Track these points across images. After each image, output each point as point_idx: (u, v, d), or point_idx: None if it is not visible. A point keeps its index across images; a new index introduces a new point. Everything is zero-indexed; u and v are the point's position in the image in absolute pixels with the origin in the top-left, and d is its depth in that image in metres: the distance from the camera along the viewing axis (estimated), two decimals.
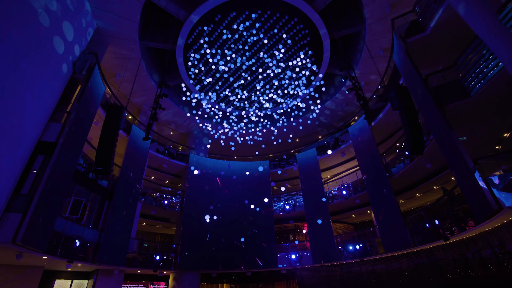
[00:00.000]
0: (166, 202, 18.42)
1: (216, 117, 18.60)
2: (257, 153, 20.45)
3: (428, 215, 12.54)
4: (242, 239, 17.59)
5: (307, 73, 16.25)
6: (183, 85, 15.98)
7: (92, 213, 13.29)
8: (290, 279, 19.23)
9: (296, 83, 16.09)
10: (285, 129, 18.88)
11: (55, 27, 9.74)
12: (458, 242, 11.83)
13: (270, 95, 16.97)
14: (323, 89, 15.98)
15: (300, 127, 19.45)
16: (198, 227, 17.72)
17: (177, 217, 18.90)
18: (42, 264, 10.96)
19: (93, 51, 12.63)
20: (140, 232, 19.55)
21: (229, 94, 18.35)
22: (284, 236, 22.52)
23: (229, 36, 15.27)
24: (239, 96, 17.29)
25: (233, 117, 17.41)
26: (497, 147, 11.46)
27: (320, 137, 23.90)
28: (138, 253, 15.22)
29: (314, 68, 14.37)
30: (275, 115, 17.33)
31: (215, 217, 17.96)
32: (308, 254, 17.57)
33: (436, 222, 11.56)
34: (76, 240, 11.27)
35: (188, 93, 16.36)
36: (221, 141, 21.23)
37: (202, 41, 15.24)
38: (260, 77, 15.90)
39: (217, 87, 18.50)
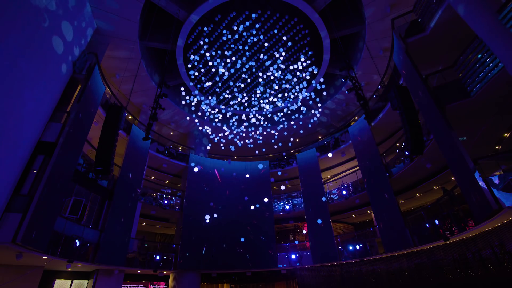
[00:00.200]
0: (166, 202, 18.42)
1: (216, 120, 18.61)
2: (256, 152, 20.45)
3: (428, 215, 12.54)
4: (242, 239, 17.59)
5: (308, 77, 16.23)
6: (182, 88, 15.96)
7: (92, 213, 13.29)
8: (290, 279, 19.23)
9: (297, 87, 16.06)
10: (285, 133, 18.85)
11: (55, 27, 9.74)
12: (458, 242, 11.83)
13: (271, 98, 16.93)
14: (324, 90, 15.96)
15: (301, 131, 19.46)
16: (198, 227, 17.72)
17: (177, 217, 18.91)
18: (42, 264, 10.96)
19: (93, 51, 12.64)
20: (140, 232, 19.55)
21: (229, 96, 18.33)
22: (284, 236, 22.52)
23: (229, 36, 15.27)
24: (239, 99, 17.26)
25: (233, 121, 17.39)
26: (497, 147, 11.47)
27: (320, 137, 23.91)
28: (138, 253, 15.22)
29: (316, 71, 14.33)
30: (275, 117, 17.31)
31: (215, 215, 17.95)
32: (308, 254, 17.57)
33: (436, 222, 11.56)
34: (76, 240, 11.27)
35: (187, 97, 16.33)
36: (221, 145, 21.20)
37: (202, 42, 15.21)
38: (260, 79, 15.87)
39: (217, 89, 18.51)
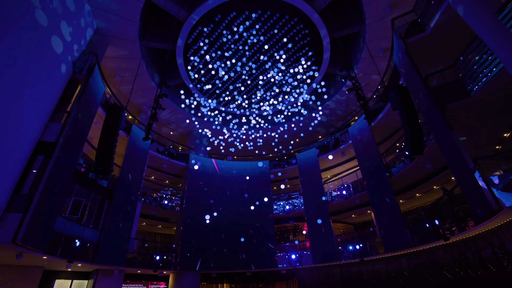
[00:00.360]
0: (166, 202, 18.42)
1: (216, 122, 18.62)
2: (256, 152, 20.47)
3: (428, 215, 12.54)
4: (242, 239, 17.59)
5: (308, 80, 16.23)
6: (182, 91, 15.97)
7: (92, 213, 13.29)
8: (290, 279, 19.23)
9: (298, 90, 16.05)
10: (285, 135, 18.84)
11: (55, 27, 9.74)
12: (458, 242, 11.83)
13: (271, 101, 16.88)
14: (324, 93, 15.96)
15: (302, 134, 19.47)
16: (198, 227, 17.72)
17: (177, 217, 18.91)
18: (42, 264, 10.96)
19: (93, 51, 12.64)
20: (140, 232, 19.54)
21: (229, 97, 18.32)
22: (284, 236, 22.52)
23: (229, 37, 15.26)
24: (238, 102, 17.24)
25: (233, 124, 17.38)
26: (497, 147, 11.47)
27: (320, 137, 23.91)
28: (138, 253, 15.22)
29: (316, 74, 14.31)
30: (275, 119, 17.32)
31: (215, 214, 17.94)
32: (308, 254, 17.57)
33: (436, 222, 11.56)
34: (76, 240, 11.26)
35: (187, 100, 16.31)
36: (221, 148, 21.16)
37: (202, 44, 15.18)
38: (260, 82, 15.86)
39: (217, 91, 18.51)
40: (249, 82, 18.10)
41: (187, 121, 18.23)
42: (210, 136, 19.29)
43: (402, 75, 12.34)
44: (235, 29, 14.87)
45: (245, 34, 15.09)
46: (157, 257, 15.67)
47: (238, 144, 17.85)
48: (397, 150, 15.48)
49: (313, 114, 16.35)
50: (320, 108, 17.13)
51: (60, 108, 10.53)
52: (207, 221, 17.31)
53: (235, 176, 20.81)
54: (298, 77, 15.33)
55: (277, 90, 16.30)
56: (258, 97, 17.03)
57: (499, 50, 7.21)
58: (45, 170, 8.88)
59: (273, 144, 19.77)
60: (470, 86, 8.83)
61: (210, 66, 15.61)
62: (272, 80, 15.28)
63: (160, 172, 20.54)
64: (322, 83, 15.34)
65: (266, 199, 18.84)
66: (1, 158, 7.50)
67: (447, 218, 11.06)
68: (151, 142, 18.02)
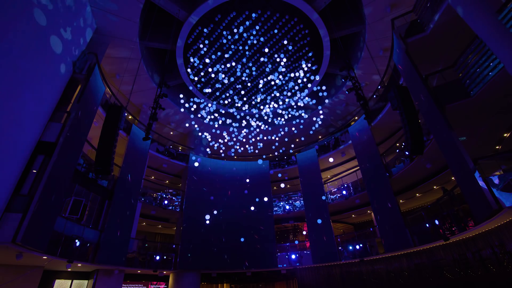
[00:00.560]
0: (166, 202, 18.42)
1: (216, 125, 18.63)
2: (257, 151, 20.46)
3: (428, 215, 12.54)
4: (242, 239, 17.59)
5: (309, 84, 16.21)
6: (181, 95, 15.99)
7: (92, 213, 13.29)
8: (290, 279, 19.23)
9: (299, 95, 16.05)
10: (286, 139, 18.83)
11: (55, 27, 9.74)
12: (458, 242, 11.83)
13: (271, 105, 16.89)
14: (325, 94, 15.90)
15: (302, 138, 19.42)
16: (198, 227, 17.72)
17: (177, 217, 18.90)
18: (42, 264, 10.96)
19: (93, 51, 12.64)
20: (140, 232, 19.54)
21: (229, 100, 18.31)
22: (284, 236, 22.52)
23: (229, 37, 15.26)
24: (238, 105, 17.22)
25: (233, 128, 17.39)
26: (497, 147, 11.47)
27: (320, 137, 23.91)
28: (138, 253, 15.22)
29: (317, 77, 14.29)
30: (275, 121, 17.32)
31: (215, 212, 17.91)
32: (308, 254, 17.57)
33: (436, 222, 11.56)
34: (76, 240, 11.26)
35: (187, 104, 16.31)
36: (221, 151, 21.12)
37: (201, 45, 15.17)
38: (261, 84, 15.85)
39: (217, 93, 18.51)
40: (249, 84, 18.11)
41: (187, 124, 18.24)
42: (210, 140, 19.24)
43: (402, 75, 12.34)
44: (235, 30, 14.85)
45: (245, 34, 15.10)
46: (157, 257, 15.66)
47: (238, 147, 17.84)
48: (397, 150, 15.48)
49: (314, 118, 16.32)
50: (321, 112, 17.07)
51: (60, 108, 10.52)
52: (207, 221, 17.30)
53: (235, 176, 20.80)
54: (299, 81, 15.33)
55: (277, 94, 16.28)
56: (258, 100, 17.02)
57: (499, 50, 7.21)
58: (45, 170, 8.88)
59: (273, 147, 19.74)
60: (470, 86, 8.83)
61: (210, 69, 15.61)
62: (273, 83, 15.25)
63: (160, 172, 20.53)
64: (324, 87, 15.29)
65: (266, 199, 18.84)
66: (1, 158, 7.50)
67: (447, 218, 11.06)
68: (151, 142, 18.02)
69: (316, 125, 16.85)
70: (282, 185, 16.83)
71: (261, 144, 18.25)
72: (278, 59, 14.76)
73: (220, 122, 16.92)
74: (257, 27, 14.82)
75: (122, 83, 16.90)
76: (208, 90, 15.42)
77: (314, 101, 16.18)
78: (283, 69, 14.52)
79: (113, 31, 13.87)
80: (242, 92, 16.39)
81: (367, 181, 16.18)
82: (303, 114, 16.82)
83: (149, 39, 14.98)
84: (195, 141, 22.54)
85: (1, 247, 7.82)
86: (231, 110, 16.49)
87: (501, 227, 9.82)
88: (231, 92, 17.71)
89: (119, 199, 14.34)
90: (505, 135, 10.79)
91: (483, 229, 10.06)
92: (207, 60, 14.64)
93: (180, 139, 23.79)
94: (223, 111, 18.53)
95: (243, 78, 15.06)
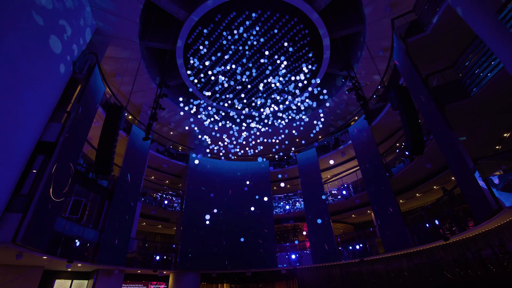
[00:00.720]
0: (166, 202, 18.42)
1: (216, 128, 18.61)
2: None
3: (428, 215, 12.54)
4: (242, 239, 17.59)
5: (310, 88, 16.18)
6: (181, 99, 15.99)
7: (92, 213, 13.29)
8: (290, 279, 19.23)
9: (299, 98, 16.02)
10: (287, 142, 18.81)
11: (55, 27, 9.74)
12: (458, 242, 11.83)
13: (271, 108, 16.89)
14: (326, 97, 15.89)
15: (303, 142, 19.42)
16: (198, 227, 17.72)
17: (177, 217, 18.91)
18: (42, 264, 10.96)
19: (93, 51, 12.64)
20: (140, 232, 19.54)
21: (229, 102, 18.30)
22: (284, 236, 22.52)
23: (229, 37, 15.25)
24: (239, 108, 17.22)
25: (233, 131, 17.39)
26: (497, 147, 11.46)
27: (320, 137, 23.89)
28: (138, 253, 15.22)
29: (318, 81, 14.26)
30: (276, 123, 17.31)
31: (215, 210, 17.89)
32: (308, 254, 17.57)
33: (436, 222, 11.56)
34: (76, 240, 11.27)
35: (186, 108, 16.30)
36: (221, 155, 21.08)
37: (201, 47, 15.15)
38: (261, 87, 15.83)
39: (217, 95, 18.49)
40: (249, 86, 18.09)
41: (186, 127, 18.23)
42: (210, 143, 19.21)
43: (402, 75, 12.34)
44: (235, 30, 14.83)
45: (245, 34, 15.09)
46: (157, 257, 15.67)
47: (238, 150, 17.85)
48: (397, 150, 15.49)
49: (314, 122, 16.29)
50: (322, 115, 17.02)
51: (60, 108, 10.53)
52: (207, 222, 17.30)
53: (235, 176, 20.80)
54: (300, 84, 15.34)
55: (278, 97, 16.29)
56: (259, 103, 17.00)
57: (499, 50, 7.21)
58: (45, 170, 8.88)
59: (273, 150, 19.75)
60: (470, 86, 8.83)
61: (210, 72, 15.60)
62: (273, 85, 15.24)
63: (160, 172, 20.54)
64: (324, 91, 15.27)
65: (266, 199, 18.85)
66: (1, 158, 7.50)
67: (447, 218, 11.06)
68: (151, 142, 18.02)
69: (317, 128, 16.87)
70: (282, 185, 16.83)
71: (261, 147, 18.24)
72: (278, 61, 14.71)
73: (220, 124, 16.91)
74: (257, 27, 14.81)
75: (122, 83, 16.90)
76: (208, 93, 15.41)
77: (314, 103, 16.16)
78: (283, 70, 14.49)
79: (113, 31, 13.87)
80: (242, 95, 16.37)
81: (367, 181, 16.18)
82: (303, 117, 16.77)
83: (149, 39, 14.98)
84: (195, 142, 22.54)
85: (1, 247, 7.82)
86: (231, 114, 16.52)
87: (501, 227, 9.82)
88: (231, 96, 17.70)
89: (119, 199, 14.34)
90: (505, 135, 10.79)
91: (483, 229, 10.06)
92: (207, 63, 14.62)
93: (180, 139, 23.79)
94: (223, 113, 18.56)
95: (243, 79, 15.03)
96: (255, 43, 15.57)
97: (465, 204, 10.14)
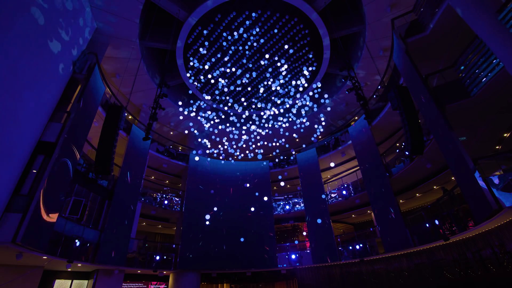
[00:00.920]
0: (166, 202, 18.43)
1: (216, 131, 18.59)
2: (257, 150, 20.43)
3: (428, 215, 12.54)
4: (242, 239, 17.59)
5: (310, 92, 16.17)
6: (180, 103, 15.99)
7: (92, 213, 13.29)
8: (290, 279, 19.23)
9: (300, 103, 16.01)
10: (287, 145, 18.81)
11: (55, 28, 9.74)
12: (458, 242, 11.83)
13: (272, 112, 16.88)
14: (327, 101, 15.86)
15: (304, 145, 19.39)
16: (198, 227, 17.72)
17: (177, 217, 18.91)
18: (42, 264, 10.96)
19: (93, 51, 12.64)
20: (140, 232, 19.55)
21: (229, 105, 18.29)
22: (284, 236, 22.52)
23: (229, 37, 15.24)
24: (239, 111, 17.24)
25: (233, 135, 17.41)
26: (497, 147, 11.46)
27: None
28: (138, 253, 15.22)
29: (319, 84, 14.25)
30: (276, 125, 17.30)
31: (215, 208, 17.86)
32: (308, 254, 17.57)
33: (436, 222, 11.56)
34: (76, 240, 11.27)
35: (185, 111, 16.30)
36: (221, 158, 21.05)
37: (202, 47, 15.15)
38: (261, 90, 15.85)
39: (217, 97, 18.49)
40: (249, 88, 18.07)
41: (186, 131, 18.21)
42: (209, 147, 19.19)
43: (402, 75, 12.34)
44: (235, 32, 14.81)
45: (245, 35, 15.08)
46: (157, 257, 15.67)
47: (238, 154, 17.87)
48: (397, 150, 15.49)
49: (315, 126, 16.27)
50: (322, 119, 16.97)
51: (60, 108, 10.53)
52: (207, 222, 17.31)
53: (235, 176, 20.80)
54: (301, 89, 15.31)
55: (278, 101, 16.31)
56: (259, 106, 17.00)
57: (499, 50, 7.21)
58: (45, 170, 8.88)
59: (274, 153, 19.72)
60: (470, 86, 8.83)
61: (209, 76, 15.60)
62: (273, 88, 15.25)
63: (160, 172, 20.53)
64: (326, 95, 15.27)
65: (266, 199, 18.85)
66: (1, 158, 7.50)
67: (447, 218, 11.06)
68: (151, 142, 18.02)
69: (318, 132, 16.89)
70: (282, 184, 16.83)
71: (262, 150, 18.22)
72: (278, 64, 14.66)
73: (220, 127, 16.89)
74: (257, 27, 14.81)
75: (122, 83, 16.90)
76: (208, 97, 15.42)
77: (315, 107, 16.16)
78: (284, 72, 14.46)
79: (113, 31, 13.87)
80: (243, 99, 16.36)
81: (367, 181, 16.18)
82: (304, 120, 16.74)
83: (149, 39, 14.98)
84: (195, 142, 22.54)
85: (1, 247, 7.82)
86: (231, 118, 16.54)
87: (501, 227, 9.82)
88: (231, 100, 17.70)
89: (119, 199, 14.34)
90: (505, 135, 10.79)
91: (483, 229, 10.06)
92: (207, 66, 14.60)
93: (180, 139, 23.79)
94: (223, 116, 18.57)
95: (243, 81, 15.04)
96: (255, 44, 15.56)
97: (465, 204, 10.14)
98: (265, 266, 17.70)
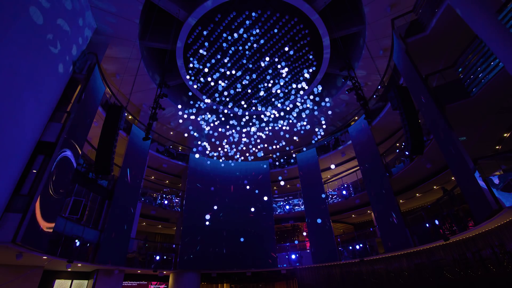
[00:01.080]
0: (166, 202, 18.43)
1: (216, 134, 18.60)
2: (257, 151, 20.43)
3: (428, 215, 12.53)
4: (242, 239, 17.59)
5: (312, 97, 16.20)
6: (179, 106, 15.99)
7: (92, 213, 13.29)
8: (290, 279, 19.23)
9: (301, 107, 16.01)
10: (287, 148, 18.79)
11: (55, 27, 9.73)
12: (458, 242, 11.83)
13: (273, 115, 16.87)
14: (328, 105, 15.86)
15: (304, 149, 19.34)
16: (198, 227, 17.72)
17: (177, 217, 18.91)
18: (42, 264, 10.96)
19: (93, 51, 12.63)
20: (140, 232, 19.54)
21: (229, 107, 18.33)
22: (284, 236, 22.52)
23: (229, 37, 15.24)
24: (239, 113, 17.26)
25: (232, 139, 17.41)
26: (497, 147, 11.46)
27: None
28: (138, 253, 15.22)
29: (320, 88, 14.24)
30: (276, 127, 17.29)
31: (215, 207, 17.84)
32: (308, 254, 17.57)
33: (436, 222, 11.56)
34: (76, 240, 11.27)
35: (185, 114, 16.28)
36: (221, 161, 21.04)
37: (202, 47, 15.15)
38: (261, 93, 15.85)
39: (217, 98, 18.51)
40: (249, 91, 18.06)
41: (186, 134, 18.25)
42: (209, 150, 19.17)
43: (402, 75, 12.33)
44: (235, 32, 14.82)
45: (245, 35, 15.08)
46: (157, 257, 15.67)
47: (238, 157, 17.87)
48: (397, 150, 15.49)
49: (316, 129, 16.27)
50: (323, 123, 16.97)
51: (60, 108, 10.52)
52: (207, 222, 17.30)
53: (235, 176, 20.80)
54: (301, 92, 15.28)
55: (279, 105, 16.31)
56: (259, 109, 17.00)
57: (499, 50, 7.21)
58: (45, 170, 8.88)
59: (274, 156, 19.69)
60: (470, 86, 8.83)
61: (209, 78, 15.59)
62: (274, 90, 15.28)
63: (160, 172, 20.53)
64: (327, 99, 15.26)
65: (266, 199, 18.84)
66: (1, 158, 7.50)
67: (447, 218, 11.06)
68: (151, 142, 18.02)
69: (319, 136, 16.89)
70: (282, 183, 16.81)
71: (262, 154, 18.21)
72: (279, 66, 14.65)
73: (220, 130, 16.87)
74: (257, 27, 14.81)
75: (122, 83, 16.90)
76: (208, 100, 15.42)
77: (316, 108, 16.15)
78: (284, 74, 14.48)
79: (113, 31, 13.87)
80: (243, 102, 16.39)
81: (367, 181, 16.18)
82: (304, 123, 16.71)
83: (149, 39, 14.98)
84: (195, 142, 22.52)
85: (1, 247, 7.82)
86: (231, 122, 16.55)
87: (501, 227, 9.82)
88: (231, 104, 17.73)
89: (119, 199, 14.34)
90: (505, 135, 10.79)
91: (483, 229, 10.05)
92: (206, 70, 14.60)
93: (180, 139, 23.79)
94: (223, 118, 18.58)
95: (243, 82, 15.05)
96: (255, 45, 15.56)
97: (465, 204, 10.14)
98: (265, 266, 17.71)
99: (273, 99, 18.18)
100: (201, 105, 17.24)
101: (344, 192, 18.18)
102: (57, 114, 10.30)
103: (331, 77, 19.13)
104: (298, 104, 15.90)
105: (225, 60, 15.68)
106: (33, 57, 8.66)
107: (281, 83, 14.92)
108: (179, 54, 16.12)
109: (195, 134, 16.84)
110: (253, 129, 16.54)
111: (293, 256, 17.84)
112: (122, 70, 16.13)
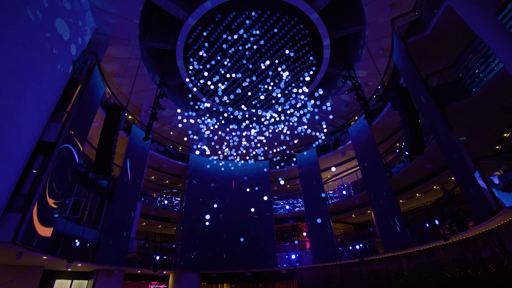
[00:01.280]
0: (166, 202, 18.43)
1: (216, 138, 18.62)
2: (257, 151, 20.44)
3: (428, 215, 12.54)
4: (242, 239, 17.58)
5: (312, 100, 16.19)
6: (179, 110, 15.99)
7: (92, 213, 13.29)
8: (290, 279, 19.23)
9: (302, 111, 16.02)
10: (288, 151, 18.74)
11: (55, 28, 9.74)
12: (458, 242, 11.83)
13: (273, 119, 16.80)
14: (329, 109, 15.83)
15: (305, 153, 19.27)
16: (198, 227, 17.72)
17: (177, 217, 18.91)
18: (42, 264, 10.95)
19: (93, 51, 12.64)
20: (140, 232, 19.55)
21: (230, 108, 18.31)
22: (284, 236, 22.52)
23: (229, 37, 15.23)
24: (239, 117, 17.25)
25: (232, 142, 17.38)
26: (497, 147, 11.46)
27: (321, 141, 23.86)
28: (138, 253, 15.22)
29: (320, 91, 14.23)
30: (276, 130, 17.29)
31: (215, 205, 17.85)
32: (308, 254, 17.57)
33: (436, 222, 11.56)
34: (76, 240, 11.27)
35: (185, 118, 16.23)
36: (221, 165, 21.04)
37: (202, 48, 15.13)
38: (262, 97, 15.82)
39: (217, 99, 18.49)
40: (249, 93, 18.04)
41: (185, 138, 18.27)
42: (209, 153, 19.14)
43: (402, 75, 12.33)
44: (235, 36, 14.80)
45: (245, 35, 15.07)
46: (157, 257, 15.67)
47: (238, 160, 17.84)
48: (397, 150, 15.49)
49: (317, 133, 16.25)
50: (324, 126, 16.92)
51: (60, 108, 10.53)
52: (207, 222, 17.30)
53: (235, 176, 20.80)
54: (302, 97, 15.26)
55: (279, 109, 16.30)
56: (260, 113, 16.99)
57: (499, 50, 7.20)
58: (45, 170, 8.88)
59: (274, 160, 19.66)
60: (470, 86, 8.83)
61: (209, 76, 15.56)
62: (274, 94, 15.25)
63: (160, 172, 20.53)
64: (328, 103, 15.23)
65: (266, 199, 18.84)
66: (1, 158, 7.50)
67: (447, 218, 11.06)
68: (151, 142, 18.02)
69: (320, 140, 16.85)
70: (282, 182, 16.77)
71: (262, 157, 18.18)
72: (279, 68, 14.63)
73: (220, 133, 16.85)
74: (257, 27, 14.80)
75: (122, 83, 16.90)
76: (208, 105, 15.40)
77: (317, 111, 16.13)
78: (284, 76, 14.49)
79: (113, 31, 13.87)
80: (243, 106, 16.38)
81: (367, 181, 16.18)
82: (305, 127, 16.68)
83: (149, 39, 14.98)
84: (195, 142, 22.51)
85: (1, 247, 7.82)
86: (231, 126, 16.54)
87: (501, 227, 9.82)
88: (231, 109, 17.73)
89: (119, 199, 14.34)
90: (505, 135, 10.79)
91: (483, 229, 10.06)
92: (206, 73, 14.61)
93: (180, 139, 23.77)
94: (223, 121, 18.56)
95: (243, 84, 15.02)
96: (255, 45, 15.56)
97: (465, 204, 10.14)
98: (265, 266, 17.71)
99: (273, 101, 18.15)
100: (201, 106, 17.21)
101: (344, 192, 18.19)
102: (57, 114, 10.31)
103: (331, 77, 19.12)
104: (299, 106, 15.88)
105: (225, 62, 15.68)
106: (33, 57, 8.66)
107: (282, 86, 14.90)
108: (179, 54, 16.11)
109: (195, 137, 16.85)
110: (253, 131, 16.54)
111: (293, 256, 17.84)
112: (122, 70, 16.13)
